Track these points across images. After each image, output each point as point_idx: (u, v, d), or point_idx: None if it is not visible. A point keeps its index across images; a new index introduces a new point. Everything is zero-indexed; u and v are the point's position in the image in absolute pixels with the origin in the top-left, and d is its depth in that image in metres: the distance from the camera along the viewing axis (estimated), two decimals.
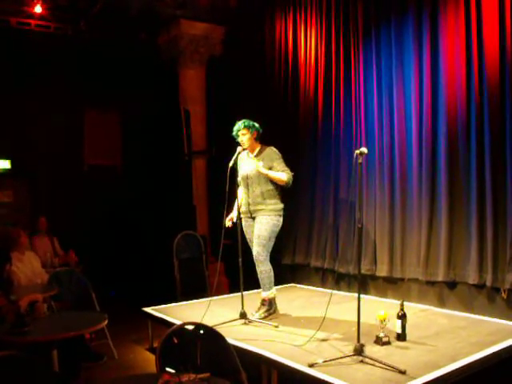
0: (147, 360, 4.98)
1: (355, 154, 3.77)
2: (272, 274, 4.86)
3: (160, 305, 5.60)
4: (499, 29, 4.62)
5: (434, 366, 3.42)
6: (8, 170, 8.43)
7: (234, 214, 5.00)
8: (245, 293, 4.79)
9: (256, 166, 4.73)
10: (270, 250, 4.83)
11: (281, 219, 4.87)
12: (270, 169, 4.76)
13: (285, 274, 6.73)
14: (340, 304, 5.18)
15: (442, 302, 5.14)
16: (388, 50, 5.66)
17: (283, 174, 4.73)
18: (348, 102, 6.18)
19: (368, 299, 5.50)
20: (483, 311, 4.74)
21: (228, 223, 5.01)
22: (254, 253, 4.82)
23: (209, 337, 2.88)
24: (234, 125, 4.91)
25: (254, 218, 4.88)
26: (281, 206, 4.87)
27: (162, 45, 8.50)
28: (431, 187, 5.22)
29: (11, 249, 5.33)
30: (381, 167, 5.73)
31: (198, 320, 3.80)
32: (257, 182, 4.82)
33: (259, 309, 4.88)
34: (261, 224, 4.79)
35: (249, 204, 4.86)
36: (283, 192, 4.96)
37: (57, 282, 5.18)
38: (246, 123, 4.85)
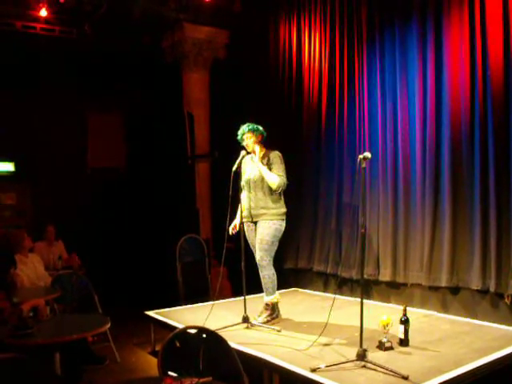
0: (149, 363, 4.98)
1: (359, 159, 3.77)
2: (275, 278, 4.85)
3: (162, 308, 5.59)
4: (504, 34, 4.61)
5: (437, 371, 3.40)
6: (11, 172, 8.45)
7: (237, 221, 4.97)
8: (247, 297, 4.78)
9: (258, 161, 4.75)
10: (273, 254, 4.82)
11: (283, 223, 4.86)
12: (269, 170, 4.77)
13: (288, 278, 6.72)
14: (343, 309, 5.18)
15: (445, 308, 5.12)
16: (392, 54, 5.66)
17: (276, 177, 4.71)
18: (352, 107, 6.18)
19: (371, 304, 5.48)
20: (486, 317, 4.72)
21: (232, 231, 5.00)
22: (257, 257, 4.81)
23: (211, 341, 2.89)
24: (237, 128, 4.92)
25: (255, 223, 4.87)
26: (283, 210, 4.87)
27: (166, 48, 8.52)
28: (434, 192, 5.21)
29: (15, 251, 5.35)
30: (384, 172, 5.73)
31: (200, 324, 3.79)
32: (260, 186, 4.82)
33: (262, 313, 4.87)
34: (263, 229, 4.78)
35: (251, 208, 4.85)
36: (286, 196, 4.96)
37: (60, 285, 5.19)
38: (251, 127, 4.86)
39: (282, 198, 4.89)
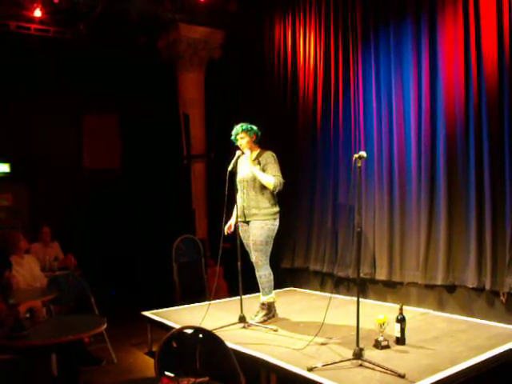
0: (146, 364, 4.97)
1: (354, 158, 3.77)
2: (272, 278, 4.86)
3: (159, 309, 5.59)
4: (497, 32, 4.63)
5: (434, 369, 3.41)
6: (7, 173, 8.43)
7: (232, 221, 4.97)
8: (244, 296, 4.79)
9: (250, 163, 4.75)
10: (268, 253, 4.82)
11: (276, 222, 4.82)
12: (263, 171, 4.77)
13: (284, 277, 6.73)
14: (339, 308, 5.19)
15: (441, 306, 5.14)
16: (387, 53, 5.67)
17: (271, 178, 4.69)
18: (347, 106, 6.19)
19: (367, 303, 5.49)
20: (482, 315, 4.74)
21: (227, 231, 4.99)
22: (253, 258, 4.82)
23: (208, 341, 2.88)
24: (233, 128, 4.92)
25: (248, 223, 4.86)
26: (275, 209, 4.83)
27: (162, 48, 8.51)
28: (430, 191, 5.23)
29: (10, 253, 5.33)
30: (380, 171, 5.74)
31: (197, 324, 3.79)
32: (252, 185, 4.80)
33: (258, 313, 4.87)
34: (256, 229, 4.76)
35: (244, 208, 4.84)
36: (282, 196, 4.95)
37: (56, 286, 5.17)
38: (244, 127, 4.85)
39: (275, 197, 4.86)
